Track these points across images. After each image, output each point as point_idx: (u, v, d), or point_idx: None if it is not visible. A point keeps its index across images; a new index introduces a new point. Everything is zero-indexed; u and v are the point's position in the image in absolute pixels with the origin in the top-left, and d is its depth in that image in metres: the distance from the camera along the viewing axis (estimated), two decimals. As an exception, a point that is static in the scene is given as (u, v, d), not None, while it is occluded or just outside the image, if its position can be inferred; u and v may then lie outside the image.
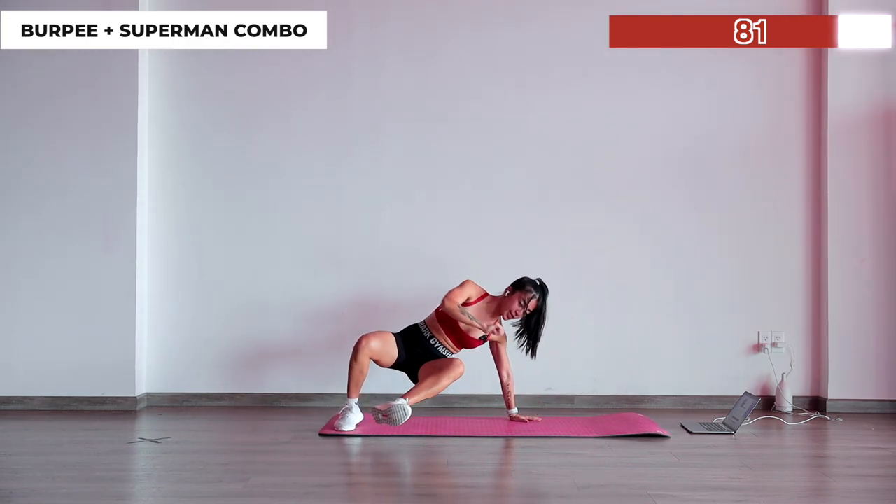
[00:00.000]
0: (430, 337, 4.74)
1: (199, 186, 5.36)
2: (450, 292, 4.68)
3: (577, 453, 4.05)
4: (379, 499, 3.33)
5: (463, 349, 4.81)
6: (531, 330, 4.74)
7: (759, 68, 5.36)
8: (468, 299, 4.72)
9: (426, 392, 4.53)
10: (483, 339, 4.74)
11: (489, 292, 4.83)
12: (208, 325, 5.33)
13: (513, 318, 4.73)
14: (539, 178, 5.36)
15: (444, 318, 4.72)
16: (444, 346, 4.75)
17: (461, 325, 4.68)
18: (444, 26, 5.38)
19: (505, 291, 4.78)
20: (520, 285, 4.73)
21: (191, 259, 5.36)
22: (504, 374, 4.81)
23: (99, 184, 5.17)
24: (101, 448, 4.14)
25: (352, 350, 4.62)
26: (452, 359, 4.68)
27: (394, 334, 4.74)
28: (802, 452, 4.31)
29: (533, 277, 4.78)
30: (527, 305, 4.69)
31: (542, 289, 4.73)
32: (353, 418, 4.52)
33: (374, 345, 4.60)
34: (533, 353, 4.78)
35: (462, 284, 4.74)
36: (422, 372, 4.70)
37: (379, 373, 5.02)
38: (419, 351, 4.73)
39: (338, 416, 4.60)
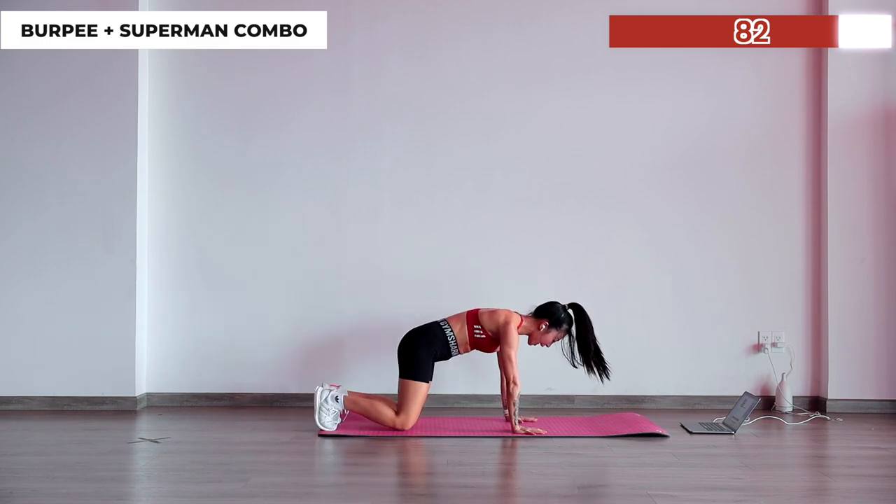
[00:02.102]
0: (455, 349, 4.62)
1: (199, 186, 5.36)
2: (512, 358, 4.47)
3: (577, 453, 4.05)
4: (379, 499, 3.33)
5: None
6: (584, 358, 4.65)
7: (759, 68, 5.36)
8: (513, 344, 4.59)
9: (363, 410, 4.52)
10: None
11: (515, 311, 4.67)
12: (208, 326, 5.33)
13: (543, 346, 4.69)
14: (540, 178, 5.36)
15: (478, 344, 4.63)
16: (459, 353, 4.66)
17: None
18: (445, 27, 5.38)
19: (541, 325, 4.62)
20: (556, 321, 4.61)
21: (191, 259, 5.36)
22: (503, 380, 4.62)
23: (99, 184, 5.18)
24: (101, 448, 4.14)
25: (392, 427, 4.50)
26: (406, 408, 4.50)
27: (423, 369, 4.54)
28: (802, 452, 4.31)
29: (564, 303, 4.68)
30: (558, 340, 4.68)
31: (575, 316, 4.64)
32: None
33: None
34: (601, 377, 4.66)
35: (510, 332, 4.52)
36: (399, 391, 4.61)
37: (369, 374, 5.02)
38: (441, 355, 4.62)
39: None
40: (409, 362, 4.54)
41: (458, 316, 4.67)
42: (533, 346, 4.73)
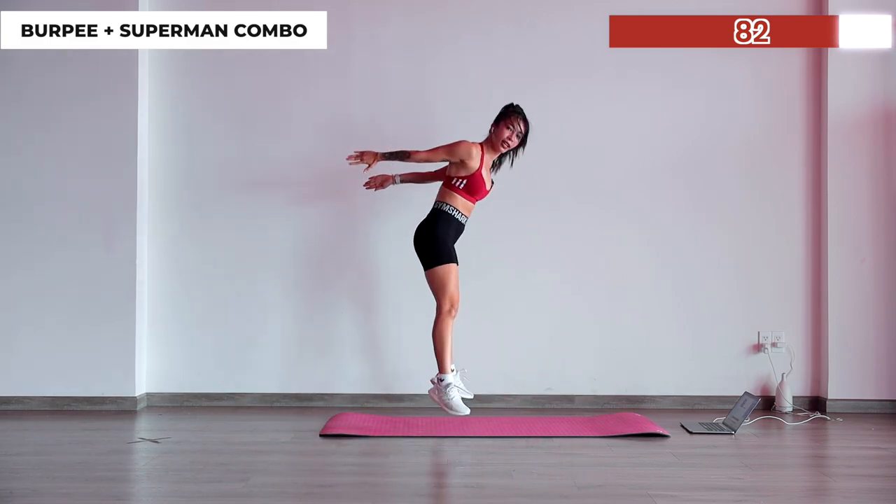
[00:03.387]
0: (464, 219, 4.73)
1: (199, 186, 5.36)
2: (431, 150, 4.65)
3: (577, 453, 4.06)
4: (379, 499, 3.33)
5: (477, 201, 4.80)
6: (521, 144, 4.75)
7: (759, 68, 5.36)
8: (468, 163, 4.65)
9: (441, 349, 4.61)
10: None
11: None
12: (208, 325, 5.33)
13: (509, 146, 4.71)
14: (540, 178, 5.35)
15: (461, 183, 4.69)
16: (466, 218, 4.76)
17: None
18: (445, 27, 5.37)
19: (490, 131, 4.73)
20: (502, 114, 4.71)
21: (191, 259, 5.36)
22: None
23: (99, 184, 5.17)
24: (101, 448, 4.14)
25: (443, 319, 4.63)
26: (442, 294, 4.64)
27: (445, 249, 4.67)
28: (802, 452, 4.32)
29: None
30: (518, 128, 4.69)
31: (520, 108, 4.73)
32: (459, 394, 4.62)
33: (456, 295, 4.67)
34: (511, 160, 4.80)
35: (448, 146, 4.65)
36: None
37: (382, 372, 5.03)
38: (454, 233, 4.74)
39: (442, 398, 4.61)
40: (430, 250, 4.66)
41: (441, 192, 4.76)
42: (504, 151, 4.72)
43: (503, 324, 5.30)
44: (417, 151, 4.66)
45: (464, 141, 4.67)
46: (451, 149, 4.64)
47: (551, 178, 5.36)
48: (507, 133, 4.68)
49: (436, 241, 4.66)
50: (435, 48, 5.37)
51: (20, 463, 3.86)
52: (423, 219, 4.77)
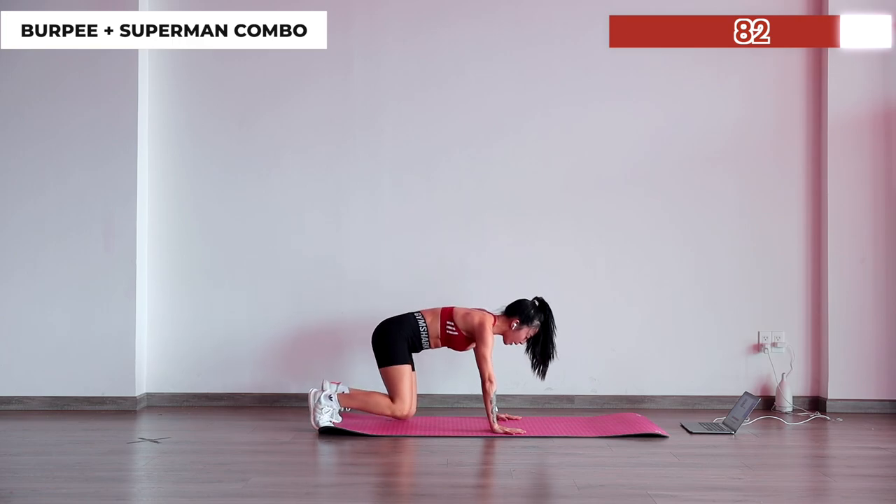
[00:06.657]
0: (426, 341, 4.70)
1: (199, 186, 5.36)
2: (485, 354, 4.51)
3: (577, 453, 4.05)
4: (379, 499, 3.33)
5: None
6: (541, 352, 4.71)
7: (760, 68, 5.36)
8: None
9: (361, 404, 4.60)
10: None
11: (488, 310, 4.75)
12: (208, 325, 5.33)
13: (514, 344, 4.73)
14: (540, 177, 5.36)
15: (450, 341, 4.68)
16: (430, 346, 4.74)
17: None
18: (444, 27, 5.37)
19: (512, 324, 4.66)
20: (526, 318, 4.65)
21: (191, 259, 5.36)
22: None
23: (99, 183, 5.17)
24: (101, 448, 4.14)
25: (392, 416, 4.64)
26: (397, 392, 4.61)
27: (400, 346, 4.66)
28: (802, 452, 4.32)
29: (531, 299, 4.72)
30: (530, 336, 4.71)
31: (542, 310, 4.70)
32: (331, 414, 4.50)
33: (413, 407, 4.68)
34: (543, 375, 4.75)
35: (485, 333, 4.56)
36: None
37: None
38: (413, 343, 4.71)
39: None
40: (384, 349, 4.66)
41: (432, 310, 4.76)
42: (508, 345, 4.75)
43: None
44: (486, 379, 4.49)
45: (488, 327, 4.59)
46: (489, 337, 4.59)
47: (550, 177, 5.36)
48: (522, 339, 4.69)
49: (392, 341, 4.65)
50: (434, 48, 5.37)
51: (20, 463, 3.86)
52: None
